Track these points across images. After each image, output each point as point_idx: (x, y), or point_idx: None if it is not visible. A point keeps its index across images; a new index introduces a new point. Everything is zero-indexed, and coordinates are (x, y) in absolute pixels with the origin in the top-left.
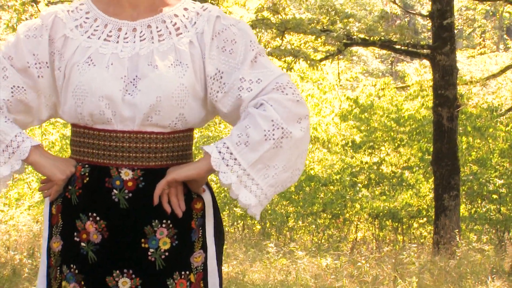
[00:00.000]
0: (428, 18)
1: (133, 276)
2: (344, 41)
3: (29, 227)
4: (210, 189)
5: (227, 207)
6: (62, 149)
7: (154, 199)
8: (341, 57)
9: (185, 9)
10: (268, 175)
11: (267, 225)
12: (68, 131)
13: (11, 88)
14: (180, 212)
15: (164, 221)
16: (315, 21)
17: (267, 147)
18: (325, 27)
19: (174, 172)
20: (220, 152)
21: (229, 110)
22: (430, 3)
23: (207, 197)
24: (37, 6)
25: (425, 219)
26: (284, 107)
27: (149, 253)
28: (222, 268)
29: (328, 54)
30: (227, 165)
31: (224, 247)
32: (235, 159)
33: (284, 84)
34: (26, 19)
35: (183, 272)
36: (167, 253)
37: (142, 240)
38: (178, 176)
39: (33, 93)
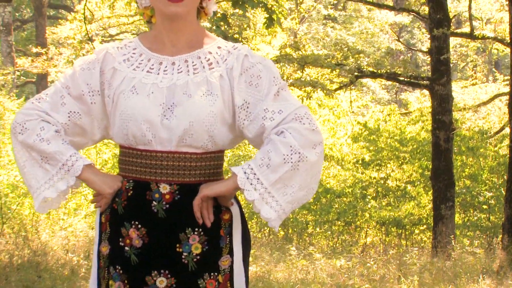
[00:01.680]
0: (427, 54)
1: (169, 276)
2: (356, 73)
3: (85, 233)
4: (238, 202)
5: (255, 216)
6: (114, 166)
7: (195, 213)
8: (353, 87)
9: (219, 47)
10: (286, 193)
11: (289, 231)
12: (117, 151)
13: (68, 113)
14: (209, 223)
15: (196, 229)
16: (331, 56)
17: (286, 169)
18: (339, 62)
19: (206, 188)
20: (245, 173)
21: (253, 136)
22: (429, 41)
23: (235, 209)
24: (92, 44)
25: (425, 226)
26: (301, 134)
27: (183, 257)
28: (251, 268)
29: (341, 84)
30: (251, 184)
31: (252, 250)
32: (258, 179)
33: (302, 115)
34: (83, 54)
35: (212, 274)
36: (198, 257)
37: (177, 245)
38: (210, 192)
39: (87, 117)
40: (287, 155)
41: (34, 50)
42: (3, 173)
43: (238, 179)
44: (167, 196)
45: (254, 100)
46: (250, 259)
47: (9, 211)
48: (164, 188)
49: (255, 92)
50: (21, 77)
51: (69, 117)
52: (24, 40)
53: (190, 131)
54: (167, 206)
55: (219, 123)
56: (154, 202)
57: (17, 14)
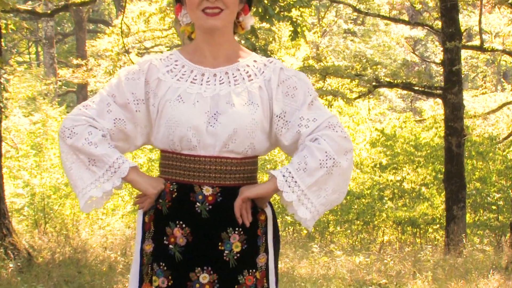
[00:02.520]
0: (440, 65)
1: (211, 272)
2: (374, 83)
3: (122, 232)
4: (271, 204)
5: (279, 216)
6: (149, 169)
7: (236, 213)
8: (371, 96)
9: (255, 61)
10: (321, 196)
11: (312, 230)
12: (153, 155)
13: (114, 120)
14: (248, 223)
15: (236, 229)
16: (350, 68)
17: (321, 173)
18: (358, 72)
19: (247, 190)
20: (284, 176)
21: (289, 143)
22: (442, 53)
23: (268, 211)
24: (128, 56)
25: (438, 225)
26: (335, 142)
27: (224, 254)
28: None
29: (360, 93)
30: (289, 186)
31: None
32: (296, 182)
33: (334, 124)
34: (120, 66)
35: (250, 270)
36: (238, 255)
37: (219, 243)
38: (250, 194)
39: (131, 124)
40: (323, 160)
41: (75, 61)
42: (46, 175)
43: (277, 181)
44: (210, 198)
45: (291, 110)
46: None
47: (51, 211)
48: (207, 191)
49: (292, 102)
50: (63, 87)
51: (114, 123)
52: (66, 52)
53: (233, 137)
54: (210, 207)
55: (259, 131)
56: (197, 203)
57: (59, 28)
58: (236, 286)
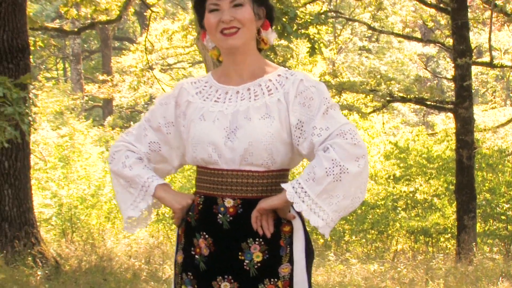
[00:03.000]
0: (451, 81)
1: (232, 280)
2: (387, 98)
3: (146, 241)
4: (301, 217)
5: None
6: (182, 187)
7: (252, 224)
8: (385, 110)
9: (279, 75)
10: (332, 203)
11: (328, 239)
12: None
13: (148, 143)
14: (268, 234)
15: (257, 239)
16: (365, 83)
17: (329, 180)
18: (372, 88)
19: (262, 203)
20: (293, 187)
21: (307, 152)
22: (453, 69)
23: (297, 223)
24: (152, 72)
25: (449, 234)
26: (343, 149)
27: (245, 264)
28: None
29: (375, 108)
30: (299, 197)
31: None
32: (305, 192)
33: (346, 131)
34: (144, 81)
35: (272, 279)
36: (259, 264)
37: (240, 253)
38: (265, 205)
39: (165, 146)
40: (329, 168)
41: (101, 77)
42: (73, 187)
43: (287, 193)
44: (231, 210)
45: (307, 119)
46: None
47: (78, 221)
48: (229, 202)
49: (308, 111)
50: (89, 102)
51: (149, 146)
52: (92, 69)
53: (249, 150)
54: (231, 218)
55: (277, 143)
56: (219, 215)
57: (85, 45)
58: None
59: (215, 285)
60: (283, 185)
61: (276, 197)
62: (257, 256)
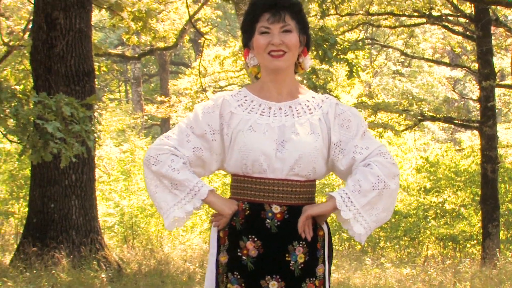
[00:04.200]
0: (477, 102)
1: (280, 280)
2: (419, 117)
3: (200, 246)
4: (327, 222)
5: (337, 233)
6: (223, 192)
7: (299, 229)
8: (416, 128)
9: (312, 97)
10: (372, 214)
11: (365, 244)
12: (227, 180)
13: (193, 148)
14: (309, 237)
15: (301, 242)
16: (398, 104)
17: (374, 194)
18: (405, 108)
19: (310, 209)
20: (341, 196)
21: (345, 168)
22: (479, 91)
23: (325, 228)
24: (205, 94)
25: (475, 241)
26: (385, 167)
27: (291, 264)
28: (334, 275)
29: (407, 126)
30: (346, 206)
31: (335, 260)
32: (351, 202)
33: (384, 152)
34: (198, 102)
35: (311, 279)
36: (302, 265)
37: (286, 255)
38: (313, 212)
39: (207, 152)
40: (375, 183)
41: (159, 98)
42: (134, 197)
43: (337, 201)
44: (278, 215)
45: (346, 139)
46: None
47: (138, 229)
48: (276, 209)
49: (346, 132)
50: (148, 121)
51: (193, 151)
52: (151, 91)
53: (299, 162)
54: (278, 223)
55: (320, 157)
56: (267, 220)
57: (145, 69)
58: None
59: (263, 284)
60: (332, 194)
61: (323, 204)
62: (301, 257)
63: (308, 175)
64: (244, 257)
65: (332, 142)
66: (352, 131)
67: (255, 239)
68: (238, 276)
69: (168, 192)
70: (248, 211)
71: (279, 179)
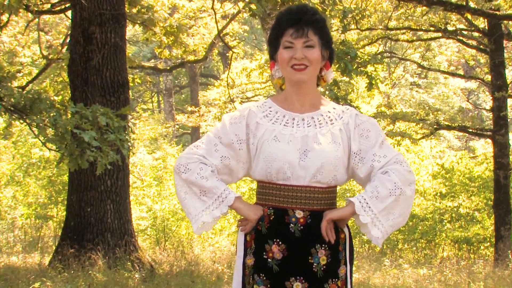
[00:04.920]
0: (490, 111)
1: (303, 281)
2: (435, 126)
3: (228, 248)
4: (347, 226)
5: (358, 235)
6: (250, 197)
7: (322, 232)
8: (432, 137)
9: (334, 108)
10: (389, 219)
11: (384, 246)
12: (254, 185)
13: (220, 157)
14: (332, 240)
15: (323, 245)
16: (415, 113)
17: (391, 200)
18: (422, 117)
19: (331, 213)
20: (360, 202)
21: (364, 175)
22: (492, 101)
23: (346, 231)
24: (233, 104)
25: (488, 243)
26: (402, 174)
27: (313, 266)
28: (355, 275)
29: (424, 135)
30: (365, 211)
31: (355, 261)
32: (369, 207)
33: (401, 160)
34: (226, 112)
35: (333, 279)
36: (324, 267)
37: (309, 257)
38: (334, 216)
39: (234, 160)
40: (392, 190)
41: (189, 109)
42: (166, 202)
43: (355, 206)
44: (301, 220)
45: (365, 148)
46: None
47: (170, 232)
48: (299, 214)
49: (366, 142)
50: (179, 129)
51: (221, 160)
52: (182, 101)
53: (321, 170)
54: (301, 227)
55: (341, 165)
56: (291, 224)
57: (176, 81)
58: None
59: (288, 285)
60: (351, 199)
61: (343, 209)
62: (323, 259)
63: (329, 182)
64: (269, 260)
65: (352, 151)
66: (371, 140)
67: (280, 243)
68: (264, 278)
69: (197, 199)
70: (273, 216)
71: (302, 186)
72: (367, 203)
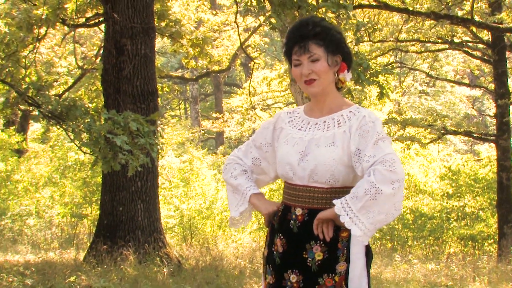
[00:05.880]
0: (493, 117)
1: (298, 274)
2: (442, 131)
3: (250, 245)
4: None
5: None
6: (269, 197)
7: (314, 230)
8: (440, 141)
9: (350, 111)
10: (369, 217)
11: (395, 243)
12: (273, 186)
13: (252, 159)
14: (327, 238)
15: (318, 242)
16: (424, 119)
17: (366, 199)
18: (430, 123)
19: (320, 213)
20: (341, 203)
21: (361, 174)
22: (495, 108)
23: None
24: (254, 111)
25: (492, 240)
26: (381, 174)
27: (308, 261)
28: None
29: (432, 139)
30: (345, 211)
31: None
32: (350, 207)
33: (386, 160)
34: (248, 119)
35: (330, 274)
36: (319, 262)
37: (304, 252)
38: (321, 216)
39: (264, 162)
40: (367, 189)
41: (214, 115)
42: (192, 202)
43: (336, 207)
44: (300, 217)
45: (363, 148)
46: None
47: (195, 229)
48: (298, 211)
49: (364, 142)
50: (205, 134)
51: (253, 161)
52: (207, 108)
53: (315, 171)
54: (299, 224)
55: (340, 166)
56: (291, 221)
57: (202, 89)
58: (316, 286)
59: (286, 276)
60: (334, 201)
61: (330, 209)
62: (318, 255)
63: (329, 182)
64: (275, 252)
65: (351, 151)
66: (368, 141)
67: (282, 237)
68: (271, 268)
69: (232, 196)
70: (281, 212)
71: (302, 185)
72: (348, 204)
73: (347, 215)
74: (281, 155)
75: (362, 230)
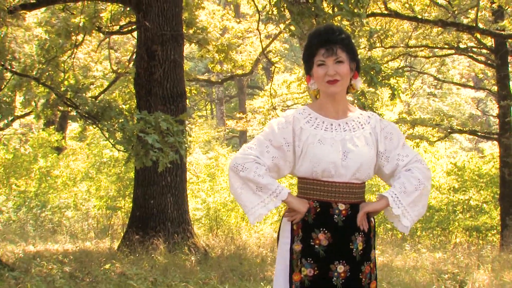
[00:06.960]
0: (496, 117)
1: (345, 264)
2: (449, 130)
3: (271, 235)
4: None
5: (382, 224)
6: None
7: (358, 222)
8: (446, 139)
9: (361, 114)
10: (415, 210)
11: (404, 234)
12: (292, 181)
13: (272, 158)
14: (366, 228)
15: (360, 233)
16: (432, 119)
17: (416, 194)
18: (437, 123)
19: (367, 206)
20: (392, 196)
21: (389, 172)
22: (498, 109)
23: (373, 220)
24: (275, 112)
25: (495, 231)
26: (423, 172)
27: (353, 251)
28: (380, 258)
29: (439, 137)
30: (396, 204)
31: (380, 246)
32: (400, 200)
33: (420, 159)
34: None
35: (367, 262)
36: (361, 251)
37: (350, 243)
38: (370, 209)
39: (282, 160)
40: (417, 185)
41: (238, 115)
42: (218, 195)
43: (389, 200)
44: (344, 212)
45: (390, 148)
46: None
47: (221, 221)
48: (341, 206)
49: (390, 143)
50: (229, 133)
51: (272, 160)
52: (231, 109)
53: (360, 169)
54: (344, 218)
55: (372, 164)
56: (335, 216)
57: (226, 91)
58: (360, 274)
59: (333, 268)
60: (384, 194)
61: (378, 202)
62: (360, 245)
63: (364, 178)
64: (316, 246)
65: (379, 151)
66: (394, 142)
67: (326, 231)
68: (312, 261)
69: (252, 194)
70: (319, 208)
71: (343, 182)
72: (398, 197)
73: (399, 208)
74: (321, 155)
75: (410, 222)
